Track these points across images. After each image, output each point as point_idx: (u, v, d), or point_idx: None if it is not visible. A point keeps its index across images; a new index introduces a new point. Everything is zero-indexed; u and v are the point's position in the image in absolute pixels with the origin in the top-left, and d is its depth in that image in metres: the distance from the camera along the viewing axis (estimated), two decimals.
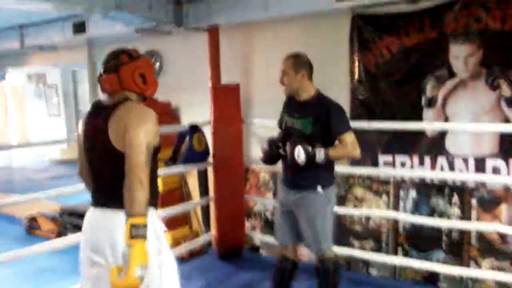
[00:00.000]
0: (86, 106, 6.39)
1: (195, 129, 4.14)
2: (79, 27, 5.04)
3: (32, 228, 5.70)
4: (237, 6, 4.13)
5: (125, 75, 2.11)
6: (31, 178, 9.44)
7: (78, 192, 3.76)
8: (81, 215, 5.49)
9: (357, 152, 2.88)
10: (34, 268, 4.47)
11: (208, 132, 4.38)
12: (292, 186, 3.03)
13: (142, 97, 2.21)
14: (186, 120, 4.83)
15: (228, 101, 4.42)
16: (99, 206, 2.14)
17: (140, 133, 1.97)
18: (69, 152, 11.11)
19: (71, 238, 3.61)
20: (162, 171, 4.42)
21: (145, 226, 1.89)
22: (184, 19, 4.41)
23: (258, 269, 4.31)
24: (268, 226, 4.68)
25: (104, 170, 2.12)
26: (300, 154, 2.78)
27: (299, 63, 2.94)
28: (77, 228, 5.30)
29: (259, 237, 4.70)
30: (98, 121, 2.09)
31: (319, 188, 2.92)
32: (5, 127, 12.72)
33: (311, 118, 2.89)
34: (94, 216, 2.15)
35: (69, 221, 5.58)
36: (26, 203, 4.64)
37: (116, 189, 1.97)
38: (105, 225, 2.07)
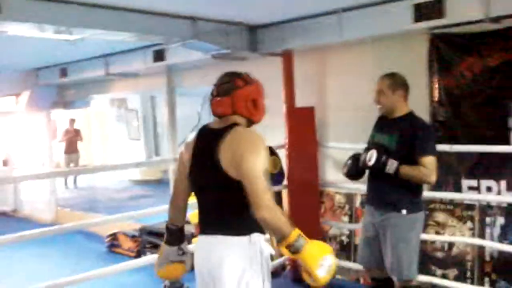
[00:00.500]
0: (163, 130, 6.67)
1: (270, 151, 4.16)
2: (159, 55, 5.27)
3: (113, 246, 5.94)
4: (310, 30, 4.15)
5: (239, 99, 2.11)
6: (112, 198, 9.90)
7: (157, 212, 3.91)
8: (159, 234, 5.73)
9: (432, 178, 2.79)
10: (114, 285, 4.64)
11: (282, 155, 4.38)
12: (376, 205, 2.99)
13: (249, 122, 2.19)
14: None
15: (303, 124, 4.43)
16: (208, 233, 2.13)
17: (257, 161, 1.96)
18: (147, 173, 11.58)
19: (150, 258, 3.73)
20: None
21: (298, 238, 1.90)
22: (258, 44, 4.50)
23: None
24: (344, 249, 4.57)
25: (213, 196, 2.11)
26: (372, 157, 2.79)
27: (396, 83, 2.94)
28: (156, 246, 5.48)
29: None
30: (207, 146, 2.08)
31: (404, 211, 2.86)
32: (89, 149, 13.46)
33: (398, 135, 2.87)
34: (204, 243, 2.15)
35: (148, 239, 5.76)
36: (110, 223, 4.87)
37: (226, 214, 2.04)
38: (216, 250, 2.07)
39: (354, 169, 3.04)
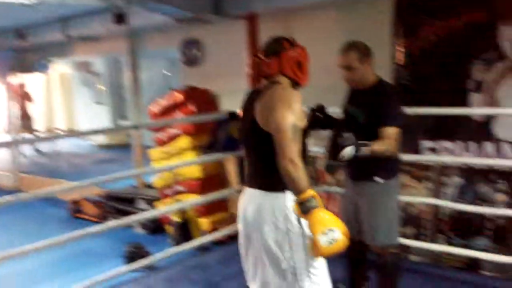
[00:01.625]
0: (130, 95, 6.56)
1: (233, 116, 4.15)
2: (120, 18, 5.12)
3: (76, 212, 5.88)
4: None
5: (286, 60, 2.16)
6: (76, 163, 9.74)
7: (123, 178, 3.87)
8: (123, 199, 5.72)
9: (394, 148, 2.75)
10: (77, 251, 4.63)
11: None
12: (353, 177, 2.99)
13: (294, 84, 2.20)
14: (227, 107, 4.85)
15: None
16: (250, 186, 2.20)
17: (287, 115, 1.97)
18: (114, 137, 11.41)
19: (113, 223, 3.72)
20: (201, 158, 4.49)
21: (311, 198, 1.88)
22: (222, 7, 4.41)
23: None
24: None
25: (251, 151, 2.21)
26: (345, 154, 2.60)
27: (364, 54, 2.79)
28: (120, 212, 5.48)
29: None
30: (249, 105, 2.17)
31: (379, 179, 2.84)
32: (52, 113, 13.14)
33: (367, 108, 2.79)
34: (247, 195, 2.22)
35: (112, 205, 5.73)
36: (74, 190, 4.81)
37: (264, 169, 2.10)
38: (250, 203, 2.15)
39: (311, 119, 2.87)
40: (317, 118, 2.88)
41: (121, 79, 11.80)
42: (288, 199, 2.05)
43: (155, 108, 5.38)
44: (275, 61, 2.16)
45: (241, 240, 2.28)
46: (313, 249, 1.87)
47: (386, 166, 2.89)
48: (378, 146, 2.71)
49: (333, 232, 1.84)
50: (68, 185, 4.01)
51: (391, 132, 2.74)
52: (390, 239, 2.91)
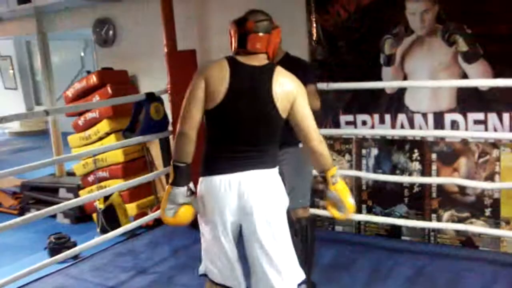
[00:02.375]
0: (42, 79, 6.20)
1: (152, 97, 4.06)
2: None
3: None
4: None
5: (274, 38, 2.18)
6: None
7: (41, 166, 3.68)
8: (42, 189, 5.48)
9: (317, 103, 2.87)
10: None
11: (166, 100, 4.29)
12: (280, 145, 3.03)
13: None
14: (145, 88, 4.72)
15: (184, 67, 4.31)
16: (244, 169, 2.11)
17: (307, 102, 2.18)
18: (28, 124, 10.83)
19: (33, 216, 3.55)
20: (121, 141, 4.37)
21: (337, 172, 2.21)
22: None
23: None
24: None
25: (259, 129, 2.14)
26: None
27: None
28: (41, 203, 5.25)
29: None
30: (257, 82, 2.11)
31: (300, 145, 2.82)
32: None
33: None
34: (245, 178, 2.10)
35: (31, 195, 5.50)
36: None
37: (269, 150, 2.19)
38: (264, 184, 2.14)
39: None
40: None
41: (33, 62, 11.20)
42: None
43: (69, 92, 5.16)
44: (267, 38, 2.15)
45: (231, 228, 2.14)
46: (348, 210, 2.21)
47: None
48: None
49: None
50: None
51: (312, 89, 2.87)
52: (306, 202, 3.09)
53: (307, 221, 3.06)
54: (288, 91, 2.12)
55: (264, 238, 2.11)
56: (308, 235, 3.06)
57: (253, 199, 2.09)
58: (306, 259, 2.98)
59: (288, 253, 2.18)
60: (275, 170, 2.21)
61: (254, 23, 2.14)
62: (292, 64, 2.86)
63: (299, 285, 2.21)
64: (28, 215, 3.85)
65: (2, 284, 3.16)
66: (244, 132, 2.14)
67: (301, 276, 2.21)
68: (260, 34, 2.13)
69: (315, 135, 2.16)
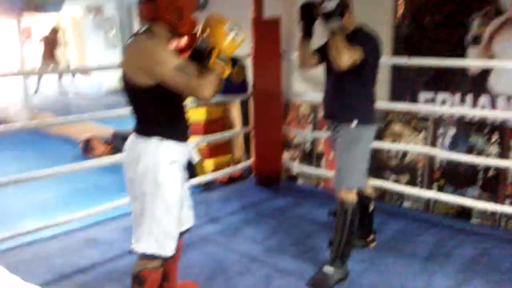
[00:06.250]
0: None
1: (234, 60, 4.24)
2: None
3: (87, 150, 6.09)
4: None
5: (161, 5, 2.02)
6: (86, 105, 9.88)
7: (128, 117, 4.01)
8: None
9: (346, 48, 2.67)
10: (89, 185, 4.87)
11: (249, 65, 4.48)
12: (330, 118, 3.05)
13: (174, 33, 2.12)
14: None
15: (268, 35, 4.46)
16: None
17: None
18: None
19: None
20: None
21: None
22: None
23: (293, 196, 4.53)
24: (306, 157, 4.83)
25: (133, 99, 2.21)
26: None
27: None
28: None
29: (297, 167, 4.87)
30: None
31: (353, 124, 2.87)
32: (64, 56, 13.24)
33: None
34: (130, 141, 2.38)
35: (121, 144, 5.90)
36: (79, 123, 5.00)
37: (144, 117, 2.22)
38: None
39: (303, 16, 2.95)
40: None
41: (133, 24, 11.82)
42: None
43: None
44: (151, 5, 2.02)
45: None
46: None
47: (363, 109, 2.92)
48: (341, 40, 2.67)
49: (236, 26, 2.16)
50: (73, 117, 4.19)
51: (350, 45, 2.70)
52: (353, 184, 2.91)
53: (349, 205, 2.89)
54: (130, 59, 2.07)
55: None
56: (347, 221, 2.88)
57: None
58: (340, 243, 2.89)
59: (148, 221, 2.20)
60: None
61: None
62: (354, 35, 2.80)
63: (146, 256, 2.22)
64: (116, 156, 4.21)
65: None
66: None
67: (147, 248, 2.20)
68: (144, 2, 2.07)
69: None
